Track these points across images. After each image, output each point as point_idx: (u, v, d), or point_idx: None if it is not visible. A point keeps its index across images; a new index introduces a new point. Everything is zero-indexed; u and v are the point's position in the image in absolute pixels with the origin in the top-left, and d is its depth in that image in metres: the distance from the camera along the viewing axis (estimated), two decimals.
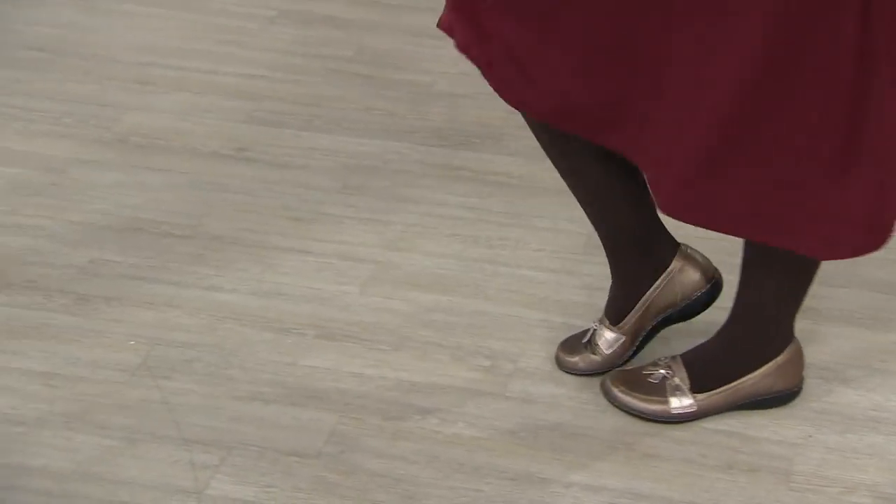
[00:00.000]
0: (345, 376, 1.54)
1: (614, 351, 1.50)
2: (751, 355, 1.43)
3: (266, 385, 1.51)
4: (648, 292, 1.48)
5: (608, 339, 1.51)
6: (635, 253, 1.47)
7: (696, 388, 1.44)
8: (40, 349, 1.55)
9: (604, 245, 1.48)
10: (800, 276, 1.37)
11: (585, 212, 1.46)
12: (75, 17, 2.40)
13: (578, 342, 1.53)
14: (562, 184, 2.00)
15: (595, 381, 1.51)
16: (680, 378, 1.44)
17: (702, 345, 1.47)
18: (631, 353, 1.51)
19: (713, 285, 1.50)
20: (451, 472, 1.39)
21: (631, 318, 1.49)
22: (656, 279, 1.48)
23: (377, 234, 1.82)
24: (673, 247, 1.49)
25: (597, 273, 1.70)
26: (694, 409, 1.44)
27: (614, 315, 1.51)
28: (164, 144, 2.02)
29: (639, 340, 1.51)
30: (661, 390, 1.44)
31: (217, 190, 1.91)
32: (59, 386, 1.49)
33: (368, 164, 2.00)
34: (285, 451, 1.41)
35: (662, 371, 1.46)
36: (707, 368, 1.44)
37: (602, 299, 1.62)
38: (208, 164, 1.97)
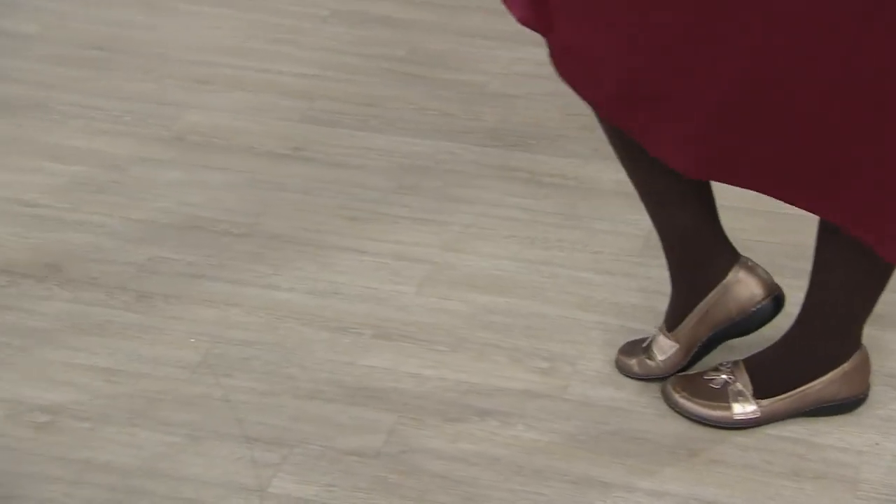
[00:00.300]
0: (403, 376, 1.54)
1: (668, 358, 1.49)
2: (817, 361, 1.41)
3: (325, 384, 1.52)
4: (703, 301, 1.46)
5: (662, 345, 1.49)
6: (694, 261, 1.45)
7: (759, 394, 1.43)
8: (103, 345, 1.57)
9: (664, 250, 1.47)
10: (873, 278, 1.34)
11: (649, 215, 1.45)
12: (133, 16, 2.43)
13: (638, 346, 1.52)
14: (618, 185, 2.00)
15: (655, 386, 1.50)
16: (742, 383, 1.43)
17: (765, 350, 1.46)
18: (685, 363, 1.49)
19: (773, 301, 1.45)
20: (511, 474, 1.39)
21: (685, 327, 1.47)
22: (712, 289, 1.45)
23: (433, 234, 1.82)
24: (733, 258, 1.46)
25: (655, 276, 1.69)
26: (757, 415, 1.42)
27: (670, 322, 1.50)
28: (222, 143, 2.04)
29: (693, 352, 1.48)
30: (723, 396, 1.43)
31: (274, 189, 1.92)
32: (122, 382, 1.51)
33: (423, 164, 2.00)
34: (345, 451, 1.42)
35: (724, 376, 1.44)
36: (771, 374, 1.43)
37: (661, 303, 1.61)
38: (265, 163, 1.98)
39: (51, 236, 1.78)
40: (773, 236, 1.79)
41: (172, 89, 2.18)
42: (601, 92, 1.29)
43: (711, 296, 1.45)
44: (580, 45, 1.27)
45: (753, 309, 1.45)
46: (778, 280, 1.52)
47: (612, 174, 1.98)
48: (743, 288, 1.45)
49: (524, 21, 1.31)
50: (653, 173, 1.38)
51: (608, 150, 2.07)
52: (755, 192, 1.30)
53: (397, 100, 2.18)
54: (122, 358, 1.55)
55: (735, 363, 1.46)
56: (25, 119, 2.07)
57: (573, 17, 1.26)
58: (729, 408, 1.43)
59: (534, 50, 2.37)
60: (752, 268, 1.46)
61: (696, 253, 1.44)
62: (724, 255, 1.45)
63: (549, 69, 2.32)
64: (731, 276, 1.45)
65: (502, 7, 2.83)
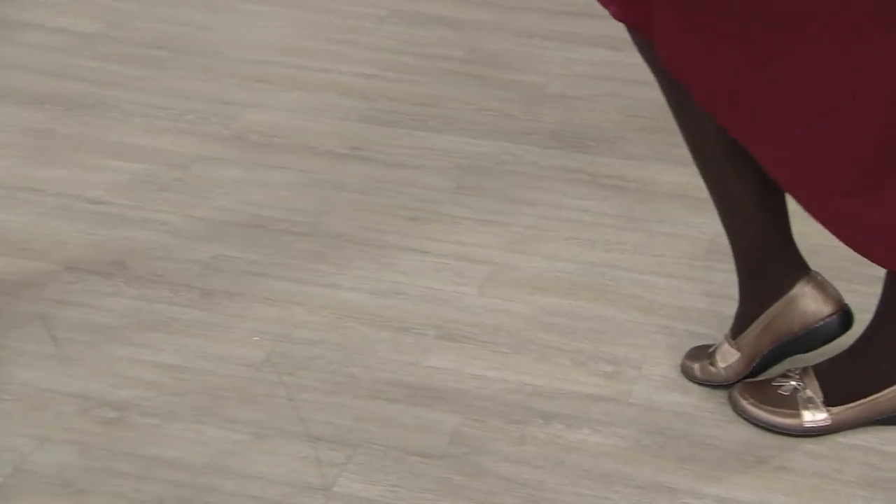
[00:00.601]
0: (466, 378, 1.54)
1: (729, 366, 1.47)
2: (889, 369, 1.39)
3: (388, 384, 1.52)
4: (766, 312, 1.43)
5: (725, 353, 1.47)
6: (761, 269, 1.43)
7: (829, 401, 1.40)
8: (169, 342, 1.58)
9: (734, 256, 1.45)
10: None
11: (721, 219, 1.43)
12: (193, 16, 2.45)
13: (704, 351, 1.51)
14: (678, 188, 1.99)
15: (722, 392, 1.48)
16: (812, 390, 1.41)
17: (835, 356, 1.43)
18: (747, 373, 1.46)
19: (840, 319, 1.42)
20: (577, 478, 1.38)
21: (748, 336, 1.45)
22: (776, 300, 1.43)
23: (494, 235, 1.82)
24: (803, 271, 1.43)
25: (720, 280, 1.67)
26: (828, 422, 1.40)
27: (735, 330, 1.48)
28: (282, 142, 2.05)
29: (755, 363, 1.45)
30: (792, 403, 1.41)
31: (334, 188, 1.93)
32: (189, 379, 1.52)
33: (483, 164, 2.00)
34: (410, 451, 1.42)
35: (793, 383, 1.42)
36: (842, 380, 1.40)
37: (726, 307, 1.60)
38: (325, 163, 1.99)
39: (115, 233, 1.80)
40: (840, 241, 1.77)
41: (232, 88, 2.19)
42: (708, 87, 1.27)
43: (775, 306, 1.43)
44: (686, 45, 1.26)
45: (817, 325, 1.41)
46: (846, 286, 1.49)
47: (672, 176, 1.97)
48: (809, 302, 1.41)
49: (620, 17, 1.30)
50: (727, 176, 1.37)
51: (668, 151, 2.08)
52: None
53: (456, 100, 2.17)
54: (187, 355, 1.56)
55: (804, 370, 1.44)
56: (89, 117, 2.10)
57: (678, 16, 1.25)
58: (799, 415, 1.41)
59: (592, 50, 2.36)
60: (821, 283, 1.43)
61: (765, 261, 1.42)
62: (793, 267, 1.43)
63: (607, 70, 2.33)
64: (797, 288, 1.42)
65: (561, 7, 2.81)
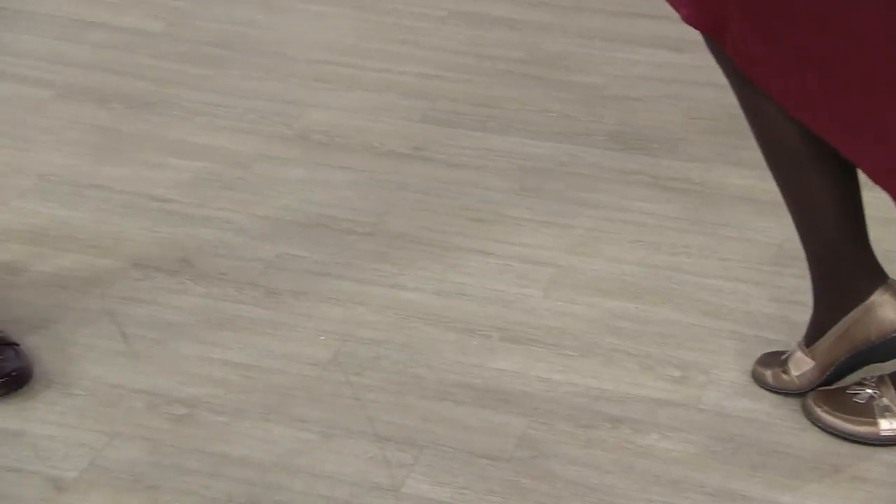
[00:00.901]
0: (532, 380, 1.53)
1: (803, 374, 1.45)
2: None
3: (454, 386, 1.52)
4: (842, 321, 1.40)
5: (798, 361, 1.45)
6: (837, 275, 1.41)
7: None
8: (235, 340, 1.59)
9: (808, 262, 1.43)
10: None
11: (795, 223, 1.41)
12: (253, 15, 2.46)
13: (776, 358, 1.49)
14: (744, 191, 1.97)
15: (794, 399, 1.46)
16: (889, 398, 1.38)
17: None
18: (821, 382, 1.44)
19: None
20: (647, 484, 1.37)
21: (822, 344, 1.43)
22: (854, 307, 1.40)
23: (556, 237, 1.81)
24: (880, 279, 1.40)
25: (790, 286, 1.65)
26: None
27: (809, 337, 1.45)
28: (344, 142, 2.05)
29: (829, 372, 1.43)
30: (868, 411, 1.39)
31: (396, 188, 1.92)
32: (256, 377, 1.53)
33: (544, 166, 1.99)
34: (477, 453, 1.41)
35: (869, 391, 1.40)
36: None
37: (797, 314, 1.57)
38: (386, 163, 1.99)
39: (179, 231, 1.81)
40: None
41: (293, 88, 2.20)
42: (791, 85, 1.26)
43: (852, 314, 1.40)
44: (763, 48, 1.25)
45: (895, 334, 1.39)
46: None
47: (738, 179, 1.94)
48: (887, 311, 1.38)
49: (691, 20, 1.29)
50: (802, 180, 1.35)
51: (733, 154, 2.05)
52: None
53: (516, 101, 2.17)
54: (254, 353, 1.57)
55: (880, 378, 1.41)
56: (152, 115, 2.11)
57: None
58: (875, 423, 1.38)
59: (653, 52, 2.35)
60: None
61: (840, 267, 1.40)
62: (869, 274, 1.40)
63: (668, 71, 2.31)
64: (875, 296, 1.39)
65: (620, 8, 2.79)
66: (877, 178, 1.30)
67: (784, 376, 1.46)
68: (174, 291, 1.68)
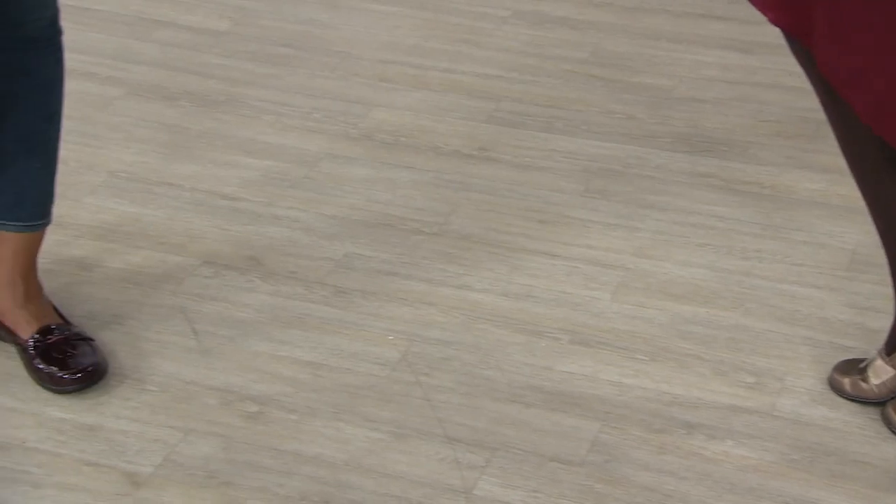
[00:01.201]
0: (603, 384, 1.52)
1: (883, 383, 1.42)
2: None
3: (524, 388, 1.51)
4: None
5: (878, 369, 1.43)
6: None
7: None
8: (306, 339, 1.59)
9: (891, 270, 1.40)
10: None
11: (878, 232, 1.38)
12: (318, 15, 2.47)
13: (854, 366, 1.46)
14: (816, 196, 1.94)
15: (873, 408, 1.44)
16: None
17: None
18: None
19: None
20: (722, 491, 1.35)
21: None
22: None
23: (624, 240, 1.79)
24: None
25: (865, 292, 1.62)
26: None
27: (890, 346, 1.43)
28: (408, 142, 2.05)
29: None
30: None
31: (461, 189, 1.92)
32: (326, 376, 1.53)
33: (610, 167, 1.97)
34: (548, 457, 1.41)
35: None
36: None
37: (873, 320, 1.55)
38: (451, 163, 1.99)
39: (249, 229, 1.82)
40: None
41: (358, 87, 2.20)
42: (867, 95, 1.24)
43: None
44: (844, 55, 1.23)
45: None
46: None
47: (810, 184, 1.92)
48: None
49: (778, 22, 1.27)
50: (887, 188, 1.32)
51: (805, 158, 2.03)
52: None
53: (581, 102, 2.15)
54: (324, 352, 1.57)
55: None
56: (219, 113, 2.13)
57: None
58: None
59: (720, 53, 2.32)
60: None
61: None
62: None
63: (737, 74, 2.29)
64: None
65: (685, 9, 2.77)
66: None
67: (863, 384, 1.44)
68: (244, 289, 1.69)
